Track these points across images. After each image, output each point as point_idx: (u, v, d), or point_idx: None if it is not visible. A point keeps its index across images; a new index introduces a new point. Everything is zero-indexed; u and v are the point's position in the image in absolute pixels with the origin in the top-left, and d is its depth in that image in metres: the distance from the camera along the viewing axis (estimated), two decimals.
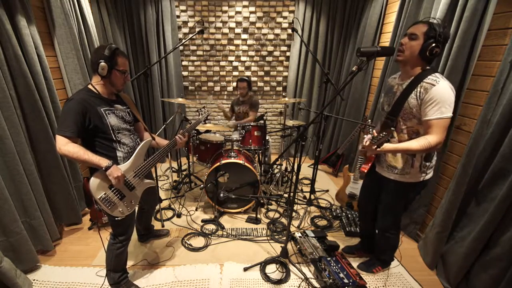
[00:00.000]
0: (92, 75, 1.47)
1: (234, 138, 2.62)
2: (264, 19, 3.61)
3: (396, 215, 1.71)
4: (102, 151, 1.44)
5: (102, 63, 1.36)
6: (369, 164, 1.71)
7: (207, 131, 2.99)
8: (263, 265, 1.96)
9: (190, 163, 3.04)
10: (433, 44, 1.30)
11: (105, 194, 1.42)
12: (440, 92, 1.30)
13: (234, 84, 3.88)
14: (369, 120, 2.58)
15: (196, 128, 2.83)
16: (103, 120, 1.42)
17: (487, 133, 1.60)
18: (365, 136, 1.53)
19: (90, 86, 1.45)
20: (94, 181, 1.39)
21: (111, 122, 1.45)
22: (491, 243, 1.58)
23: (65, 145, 1.30)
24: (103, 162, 1.36)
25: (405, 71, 1.48)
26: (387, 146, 1.41)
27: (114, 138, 1.48)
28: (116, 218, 1.50)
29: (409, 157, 1.51)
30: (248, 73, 3.86)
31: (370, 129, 1.59)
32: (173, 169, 3.42)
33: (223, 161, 2.41)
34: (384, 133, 1.27)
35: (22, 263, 1.80)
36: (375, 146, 1.32)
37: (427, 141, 1.35)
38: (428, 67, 1.42)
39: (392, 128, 1.33)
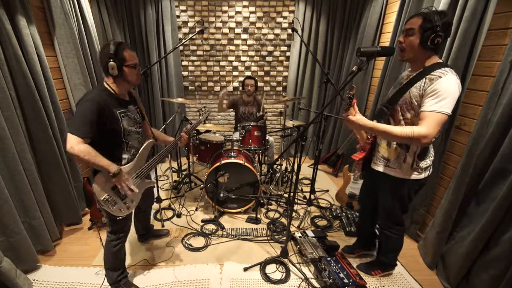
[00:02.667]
0: (105, 77, 1.44)
1: (234, 138, 2.63)
2: (264, 19, 3.61)
3: (392, 212, 1.64)
4: (108, 151, 1.41)
5: (111, 63, 1.33)
6: (363, 154, 1.63)
7: (207, 131, 2.99)
8: (263, 265, 1.96)
9: (190, 163, 3.04)
10: (433, 35, 1.24)
11: (108, 195, 1.42)
12: (444, 85, 1.24)
13: (235, 84, 3.88)
14: None
15: (196, 128, 2.83)
16: (118, 123, 1.41)
17: (487, 133, 1.60)
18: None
19: (105, 85, 1.42)
20: (97, 183, 1.39)
21: (124, 125, 1.45)
22: (491, 243, 1.58)
23: (77, 145, 1.27)
24: (112, 168, 1.35)
25: (414, 65, 1.42)
26: (363, 120, 1.35)
27: (124, 140, 1.47)
28: (118, 218, 1.49)
29: (402, 151, 1.48)
30: (248, 73, 3.86)
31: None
32: (173, 169, 3.42)
33: (223, 161, 2.41)
34: (348, 94, 1.29)
35: (22, 263, 1.79)
36: (344, 111, 1.35)
37: (411, 129, 1.27)
38: (438, 60, 1.36)
39: (353, 86, 1.31)
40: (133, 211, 2.02)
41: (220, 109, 3.22)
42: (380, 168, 1.58)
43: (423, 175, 1.50)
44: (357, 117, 1.36)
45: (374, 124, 1.37)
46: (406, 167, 1.48)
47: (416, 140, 1.27)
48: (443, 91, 1.24)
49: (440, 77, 1.26)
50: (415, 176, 1.49)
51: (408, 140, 1.30)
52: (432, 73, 1.30)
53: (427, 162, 1.48)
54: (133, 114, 1.53)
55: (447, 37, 1.32)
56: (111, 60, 1.33)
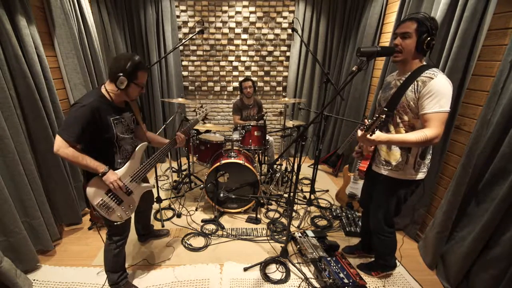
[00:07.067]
0: (108, 81, 1.43)
1: (234, 138, 2.63)
2: (264, 19, 3.61)
3: (386, 214, 1.64)
4: (101, 155, 1.43)
5: (122, 77, 1.33)
6: (367, 163, 1.68)
7: (207, 131, 2.99)
8: (263, 265, 1.96)
9: (190, 163, 3.04)
10: (429, 38, 1.31)
11: (102, 200, 1.42)
12: (438, 85, 1.29)
13: (235, 84, 3.88)
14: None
15: (196, 128, 2.83)
16: (111, 130, 1.41)
17: (487, 133, 1.60)
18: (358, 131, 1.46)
19: (103, 91, 1.41)
20: (90, 187, 1.40)
21: (118, 131, 1.45)
22: (491, 243, 1.58)
23: (64, 148, 1.29)
24: (100, 168, 1.37)
25: (402, 67, 1.47)
26: (381, 136, 1.33)
27: (116, 144, 1.48)
28: (115, 223, 1.50)
29: (404, 153, 1.49)
30: (248, 73, 3.86)
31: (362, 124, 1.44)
32: (173, 169, 3.42)
33: (223, 161, 2.41)
34: (374, 117, 1.21)
35: (22, 263, 1.80)
36: (368, 134, 1.26)
37: (423, 134, 1.31)
38: (424, 63, 1.42)
39: (384, 109, 1.22)
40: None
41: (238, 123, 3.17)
42: (381, 171, 1.59)
43: (421, 176, 1.52)
44: (376, 135, 1.31)
45: (389, 137, 1.38)
46: (408, 168, 1.50)
47: (429, 141, 1.32)
48: (438, 91, 1.29)
49: (432, 78, 1.32)
50: (414, 176, 1.51)
51: (423, 143, 1.34)
52: (422, 76, 1.35)
53: (427, 160, 1.51)
54: (127, 121, 1.53)
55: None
56: (123, 75, 1.33)
